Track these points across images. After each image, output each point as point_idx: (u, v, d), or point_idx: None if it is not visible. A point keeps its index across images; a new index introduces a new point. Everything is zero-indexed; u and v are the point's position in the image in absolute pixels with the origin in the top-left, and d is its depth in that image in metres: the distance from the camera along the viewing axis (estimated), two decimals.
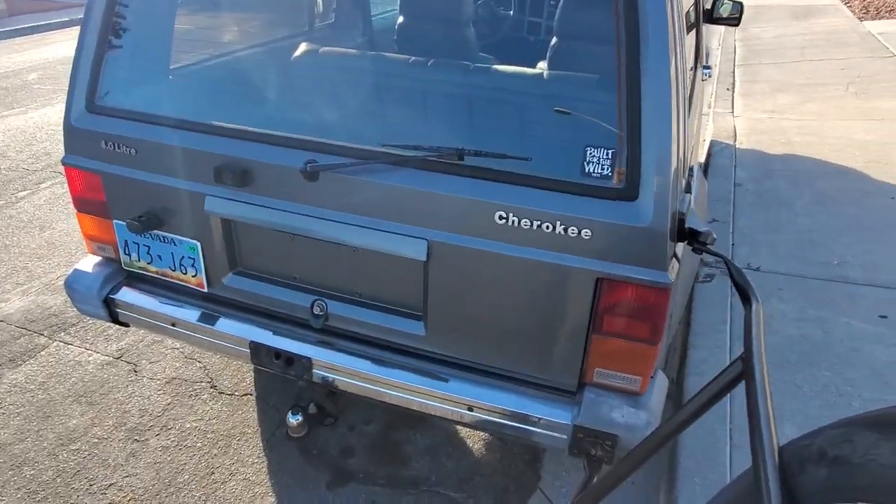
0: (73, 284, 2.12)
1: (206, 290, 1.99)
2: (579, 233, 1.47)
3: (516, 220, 1.51)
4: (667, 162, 1.40)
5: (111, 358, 2.93)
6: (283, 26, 2.88)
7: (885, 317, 2.88)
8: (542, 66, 2.82)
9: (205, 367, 2.87)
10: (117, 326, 3.14)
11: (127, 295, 2.09)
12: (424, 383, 1.75)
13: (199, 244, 1.92)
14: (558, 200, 1.47)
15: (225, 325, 1.96)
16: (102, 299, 2.08)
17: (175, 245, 1.96)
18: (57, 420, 2.55)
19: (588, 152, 1.45)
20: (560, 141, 1.52)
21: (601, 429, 1.57)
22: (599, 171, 1.45)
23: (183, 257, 1.97)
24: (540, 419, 1.63)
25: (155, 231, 1.96)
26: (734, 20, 3.66)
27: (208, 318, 1.98)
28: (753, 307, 1.25)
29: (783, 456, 1.04)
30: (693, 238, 1.49)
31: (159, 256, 2.01)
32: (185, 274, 2.00)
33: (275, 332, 1.91)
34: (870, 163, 4.53)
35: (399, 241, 1.63)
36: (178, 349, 2.97)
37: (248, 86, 1.90)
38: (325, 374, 1.86)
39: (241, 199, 1.78)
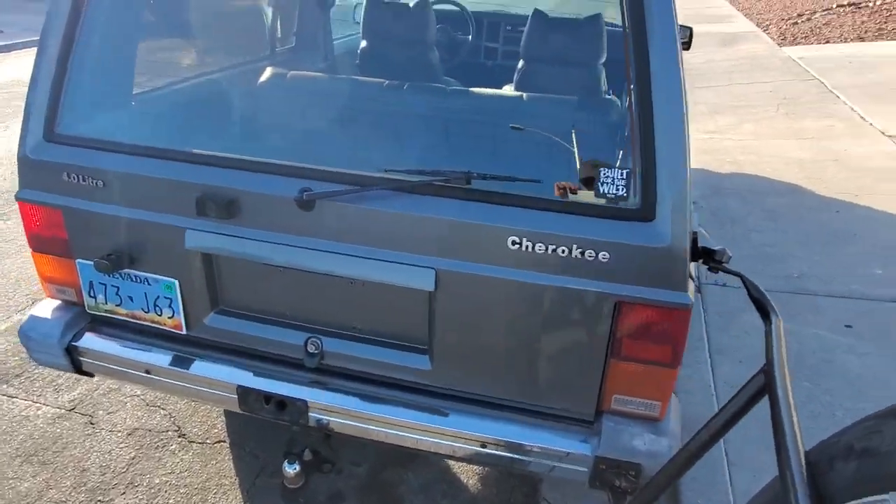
0: (30, 332, 1.92)
1: (184, 332, 1.84)
2: (597, 255, 1.43)
3: (531, 244, 1.45)
4: (682, 180, 1.39)
5: (63, 410, 2.68)
6: (244, 51, 2.78)
7: (850, 326, 2.98)
8: (509, 88, 2.82)
9: (170, 414, 2.67)
10: (68, 375, 2.91)
11: (91, 341, 1.91)
12: (433, 421, 1.66)
13: (177, 282, 1.78)
14: (573, 223, 1.43)
15: (207, 369, 1.81)
16: (64, 347, 1.89)
17: (149, 284, 1.81)
18: (5, 485, 2.30)
19: (602, 173, 1.42)
20: (573, 162, 1.49)
21: (624, 458, 1.52)
22: (614, 191, 1.42)
23: (158, 297, 1.82)
24: (563, 453, 1.56)
25: (126, 270, 1.80)
26: (684, 45, 3.78)
27: (188, 363, 1.82)
28: (773, 321, 1.26)
29: (809, 457, 1.03)
30: (709, 257, 1.48)
31: (130, 298, 1.85)
32: (161, 315, 1.84)
33: (265, 375, 1.77)
34: (809, 179, 4.76)
35: (404, 271, 1.55)
36: (138, 396, 2.76)
37: (227, 111, 1.80)
38: (322, 417, 1.73)
39: (225, 232, 1.66)
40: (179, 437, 2.55)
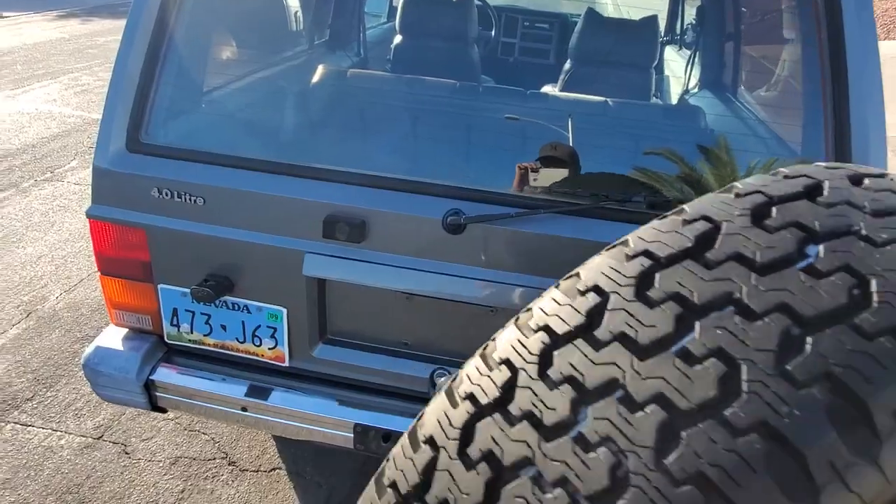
0: (100, 367, 1.69)
1: (286, 364, 1.65)
2: None
3: None
4: None
5: (90, 438, 2.42)
6: (283, 45, 2.55)
7: None
8: (550, 88, 2.71)
9: (213, 438, 2.45)
10: (88, 398, 2.64)
11: (172, 376, 1.70)
12: None
13: (284, 311, 1.59)
14: None
15: (317, 405, 1.63)
16: (143, 383, 1.67)
17: (249, 313, 1.61)
18: None
19: None
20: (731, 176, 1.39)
21: None
22: None
23: (258, 327, 1.62)
24: None
25: (223, 297, 1.60)
26: None
27: (293, 400, 1.64)
28: None
29: None
30: None
31: (223, 327, 1.65)
32: (259, 346, 1.65)
33: (384, 410, 1.61)
34: None
35: None
36: (173, 420, 2.52)
37: (350, 120, 1.61)
38: None
39: (352, 256, 1.49)
40: (229, 464, 2.35)
